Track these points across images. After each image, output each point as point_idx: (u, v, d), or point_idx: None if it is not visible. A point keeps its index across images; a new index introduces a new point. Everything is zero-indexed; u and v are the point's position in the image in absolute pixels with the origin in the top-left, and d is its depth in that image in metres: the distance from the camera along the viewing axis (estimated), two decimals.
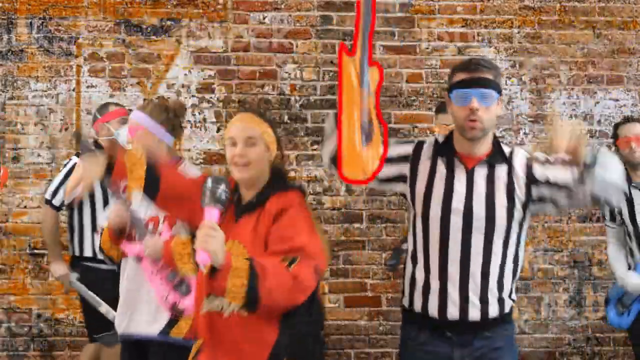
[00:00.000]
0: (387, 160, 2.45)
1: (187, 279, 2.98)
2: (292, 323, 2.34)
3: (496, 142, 2.56)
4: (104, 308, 3.94)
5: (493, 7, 5.06)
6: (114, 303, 3.33)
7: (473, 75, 2.44)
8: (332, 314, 4.95)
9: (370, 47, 2.30)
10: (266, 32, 4.97)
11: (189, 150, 4.87)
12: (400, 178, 2.57)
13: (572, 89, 5.08)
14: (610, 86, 5.09)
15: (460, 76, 2.46)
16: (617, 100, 5.09)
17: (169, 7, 4.93)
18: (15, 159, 4.84)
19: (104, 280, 3.95)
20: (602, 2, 5.09)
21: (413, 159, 2.57)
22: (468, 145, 2.51)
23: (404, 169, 2.56)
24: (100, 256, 3.48)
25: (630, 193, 3.88)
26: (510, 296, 2.56)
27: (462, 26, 5.04)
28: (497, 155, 2.54)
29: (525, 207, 2.51)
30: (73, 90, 4.88)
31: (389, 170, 2.53)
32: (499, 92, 2.48)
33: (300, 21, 4.98)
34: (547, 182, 2.48)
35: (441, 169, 2.54)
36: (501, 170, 2.52)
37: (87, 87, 4.87)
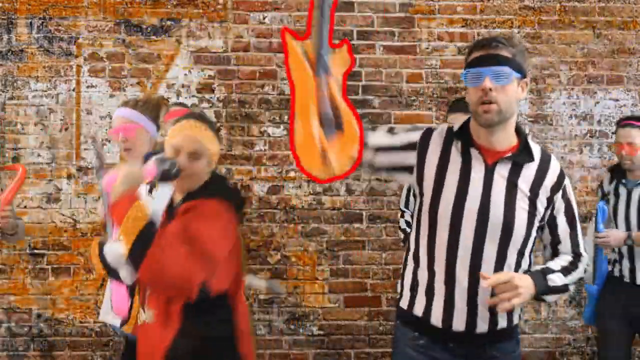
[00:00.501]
0: (391, 147, 2.28)
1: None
2: (193, 325, 2.30)
3: (524, 137, 2.31)
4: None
5: (493, 7, 5.06)
6: None
7: (486, 53, 2.22)
8: (332, 314, 4.95)
9: (331, 27, 2.02)
10: (266, 32, 4.97)
11: None
12: (405, 168, 2.32)
13: (572, 89, 5.08)
14: (610, 86, 5.09)
15: (474, 55, 2.25)
16: (617, 100, 5.09)
17: (169, 7, 4.93)
18: (15, 159, 4.84)
19: None
20: (602, 2, 5.09)
21: (421, 147, 2.32)
22: (486, 134, 2.25)
23: (410, 158, 2.31)
24: None
25: (617, 189, 3.88)
26: (520, 307, 2.38)
27: (462, 26, 5.04)
28: (525, 153, 2.29)
29: (542, 218, 2.31)
30: (73, 90, 4.88)
31: (392, 158, 2.31)
32: (520, 72, 2.25)
33: (300, 21, 4.98)
34: (553, 216, 2.33)
35: (455, 160, 2.28)
36: (527, 171, 2.28)
37: (87, 87, 4.87)
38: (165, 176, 2.28)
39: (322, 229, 4.97)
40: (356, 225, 4.97)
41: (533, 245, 2.35)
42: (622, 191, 3.84)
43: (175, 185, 2.39)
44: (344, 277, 4.96)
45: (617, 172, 3.91)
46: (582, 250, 2.37)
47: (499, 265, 2.23)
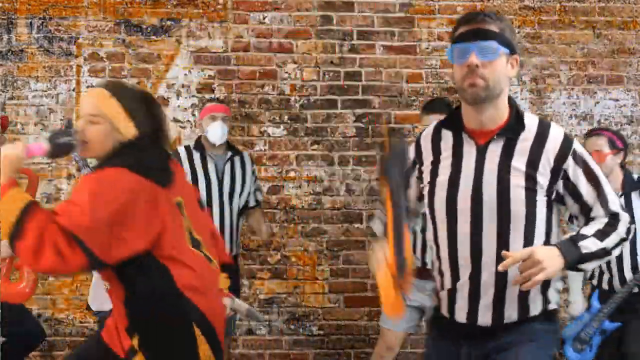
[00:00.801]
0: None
1: None
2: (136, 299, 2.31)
3: (515, 110, 2.17)
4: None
5: (493, 7, 5.06)
6: None
7: (472, 27, 2.10)
8: (332, 314, 4.95)
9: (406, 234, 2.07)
10: (266, 32, 4.97)
11: None
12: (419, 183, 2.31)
13: (572, 89, 5.08)
14: (610, 86, 5.09)
15: (460, 30, 2.14)
16: (617, 100, 5.09)
17: (169, 7, 4.93)
18: None
19: None
20: (602, 2, 5.09)
21: (418, 159, 2.29)
22: (475, 114, 2.15)
23: (417, 172, 2.30)
24: None
25: None
26: (545, 294, 2.22)
27: None
28: (517, 126, 2.15)
29: (549, 192, 2.13)
30: (73, 90, 4.88)
31: (410, 192, 2.30)
32: (509, 47, 2.11)
33: (300, 21, 4.98)
34: (571, 185, 2.15)
35: (447, 152, 2.21)
36: (523, 145, 2.13)
37: (87, 87, 4.87)
38: (57, 150, 2.29)
39: (322, 229, 4.97)
40: (356, 225, 4.97)
41: (549, 224, 2.17)
42: None
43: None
44: (344, 277, 4.96)
45: None
46: (616, 209, 2.17)
47: (501, 249, 2.09)
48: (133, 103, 2.39)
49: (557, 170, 2.13)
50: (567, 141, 2.15)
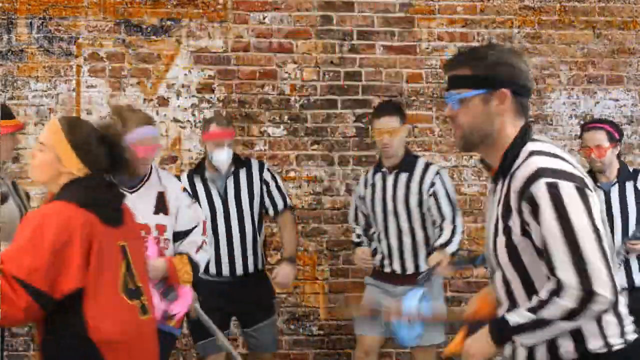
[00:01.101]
0: None
1: (175, 286, 3.15)
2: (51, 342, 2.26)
3: (508, 148, 1.96)
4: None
5: (493, 7, 5.06)
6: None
7: (448, 75, 2.03)
8: (332, 314, 4.95)
9: None
10: (266, 32, 4.97)
11: (189, 150, 4.88)
12: None
13: (572, 89, 5.08)
14: (610, 86, 5.09)
15: None
16: (617, 100, 5.09)
17: (169, 7, 4.93)
18: (15, 159, 4.83)
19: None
20: (602, 2, 5.09)
21: None
22: (485, 157, 2.07)
23: None
24: None
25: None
26: (574, 334, 1.86)
27: (462, 26, 5.04)
28: (503, 167, 1.96)
29: (527, 236, 1.87)
30: (73, 90, 4.88)
31: None
32: (487, 84, 1.92)
33: (300, 21, 4.98)
34: (527, 231, 1.88)
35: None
36: (502, 190, 1.95)
37: (87, 87, 4.87)
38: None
39: (322, 229, 4.97)
40: None
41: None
42: (599, 194, 3.86)
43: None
44: (344, 277, 4.96)
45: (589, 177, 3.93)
46: (564, 275, 1.77)
47: (512, 303, 1.94)
48: (83, 141, 2.33)
49: (520, 212, 1.86)
50: (529, 179, 1.83)
